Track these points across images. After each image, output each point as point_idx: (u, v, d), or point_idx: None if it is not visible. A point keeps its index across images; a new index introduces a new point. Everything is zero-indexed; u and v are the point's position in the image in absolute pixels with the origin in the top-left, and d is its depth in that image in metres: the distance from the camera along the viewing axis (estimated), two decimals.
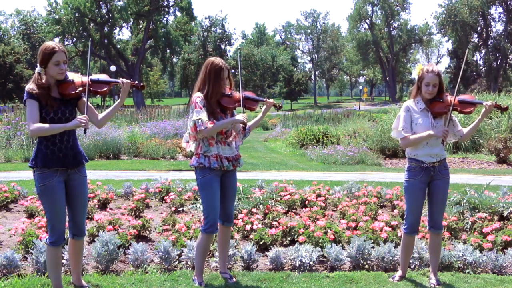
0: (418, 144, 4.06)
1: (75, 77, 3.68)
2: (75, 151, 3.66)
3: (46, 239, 3.71)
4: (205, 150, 4.01)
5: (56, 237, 3.62)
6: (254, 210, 6.02)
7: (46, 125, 3.47)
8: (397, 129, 4.14)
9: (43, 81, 3.55)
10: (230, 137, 4.12)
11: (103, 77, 3.80)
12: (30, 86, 3.54)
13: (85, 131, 3.63)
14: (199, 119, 3.88)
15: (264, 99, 4.24)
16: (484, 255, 4.56)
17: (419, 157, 4.08)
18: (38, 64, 3.55)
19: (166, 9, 58.87)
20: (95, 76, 3.78)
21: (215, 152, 4.00)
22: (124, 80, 3.77)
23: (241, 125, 4.15)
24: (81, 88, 3.64)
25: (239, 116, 4.02)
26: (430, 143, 4.06)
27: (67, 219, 3.78)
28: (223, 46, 68.40)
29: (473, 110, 4.14)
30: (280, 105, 4.44)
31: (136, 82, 3.82)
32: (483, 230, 5.20)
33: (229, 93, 4.12)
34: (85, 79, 3.68)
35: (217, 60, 4.04)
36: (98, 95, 3.88)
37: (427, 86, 4.03)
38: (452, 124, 4.17)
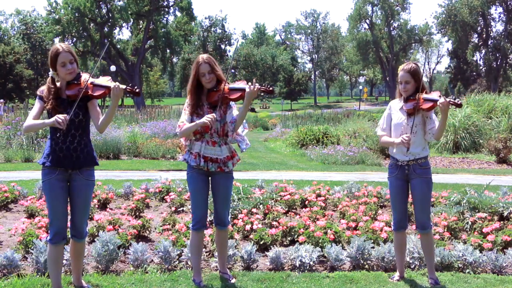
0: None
1: (82, 78, 3.65)
2: (78, 153, 3.63)
3: (47, 236, 3.73)
4: (190, 147, 4.05)
5: (53, 234, 3.63)
6: (254, 210, 6.02)
7: (30, 122, 3.51)
8: (379, 127, 4.31)
9: (58, 84, 3.63)
10: (228, 136, 4.02)
11: (106, 80, 3.71)
12: (41, 88, 3.65)
13: (61, 131, 3.46)
14: (180, 121, 3.99)
15: (245, 87, 3.89)
16: (484, 255, 4.56)
17: (394, 154, 4.18)
18: (50, 68, 3.61)
19: (166, 9, 58.89)
20: (101, 80, 3.69)
21: (196, 150, 3.99)
22: (115, 85, 3.59)
23: (232, 117, 4.01)
24: (81, 90, 3.59)
25: (203, 119, 3.83)
26: None
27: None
28: (223, 46, 68.43)
29: (433, 107, 4.00)
30: (270, 88, 3.91)
31: (135, 88, 3.67)
32: (483, 230, 5.20)
33: (215, 87, 3.99)
34: (88, 80, 3.62)
35: (199, 56, 4.07)
36: (96, 98, 3.72)
37: (400, 84, 4.14)
38: (427, 122, 4.10)
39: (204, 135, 3.98)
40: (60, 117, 3.36)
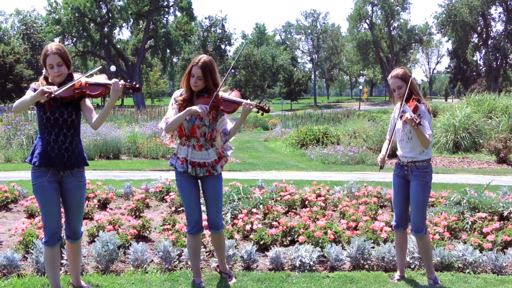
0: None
1: (75, 79, 3.59)
2: (70, 154, 3.58)
3: (42, 238, 3.71)
4: (176, 152, 3.97)
5: (48, 236, 3.60)
6: (254, 210, 6.02)
7: (19, 101, 3.42)
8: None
9: (50, 81, 3.56)
10: (215, 142, 3.93)
11: (102, 78, 3.67)
12: (35, 83, 3.59)
13: (49, 95, 3.29)
14: (166, 115, 3.89)
15: (242, 102, 3.79)
16: (484, 255, 4.56)
17: (398, 154, 4.25)
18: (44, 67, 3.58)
19: (166, 9, 58.89)
20: (97, 78, 3.65)
21: (183, 156, 3.91)
22: (115, 81, 3.56)
23: (223, 127, 3.93)
24: (77, 91, 3.56)
25: (194, 107, 3.70)
26: (402, 145, 4.17)
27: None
28: (223, 46, 68.41)
29: (406, 122, 3.96)
30: (266, 107, 3.84)
31: (134, 83, 3.63)
32: (483, 230, 5.20)
33: (205, 93, 3.84)
34: (83, 80, 3.60)
35: (199, 56, 3.89)
36: (94, 98, 3.72)
37: (394, 91, 4.13)
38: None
39: (190, 139, 3.89)
40: (47, 86, 3.31)
